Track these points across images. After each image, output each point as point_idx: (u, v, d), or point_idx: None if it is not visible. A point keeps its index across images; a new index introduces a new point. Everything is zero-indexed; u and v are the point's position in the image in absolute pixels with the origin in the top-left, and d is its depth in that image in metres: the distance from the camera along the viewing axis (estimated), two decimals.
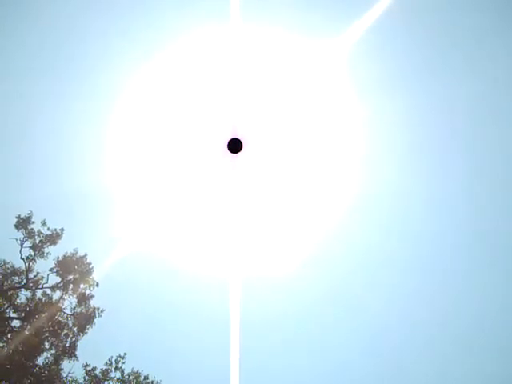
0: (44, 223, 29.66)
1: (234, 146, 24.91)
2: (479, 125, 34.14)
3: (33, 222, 29.55)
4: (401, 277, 36.83)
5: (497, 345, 34.81)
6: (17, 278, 29.08)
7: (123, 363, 29.02)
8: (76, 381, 28.16)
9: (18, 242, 29.26)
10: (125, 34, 31.32)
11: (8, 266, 28.99)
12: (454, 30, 32.53)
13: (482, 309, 35.57)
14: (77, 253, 29.80)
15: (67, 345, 28.48)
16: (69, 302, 29.27)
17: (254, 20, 28.92)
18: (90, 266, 29.76)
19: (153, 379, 29.12)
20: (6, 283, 28.67)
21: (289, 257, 35.59)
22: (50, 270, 29.43)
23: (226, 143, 24.99)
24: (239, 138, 25.01)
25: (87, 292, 29.54)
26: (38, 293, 29.14)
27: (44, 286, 29.31)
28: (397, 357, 35.78)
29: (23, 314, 28.47)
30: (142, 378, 29.06)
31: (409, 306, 36.48)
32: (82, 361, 28.54)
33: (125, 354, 29.19)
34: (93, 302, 29.47)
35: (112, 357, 29.00)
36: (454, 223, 36.21)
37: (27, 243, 29.41)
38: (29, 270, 29.27)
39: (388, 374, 35.13)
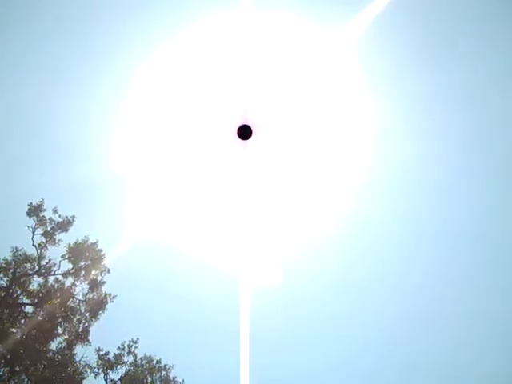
0: (55, 211, 29.99)
1: (244, 132, 24.97)
2: (489, 113, 34.18)
3: (44, 210, 29.87)
4: (408, 267, 37.05)
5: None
6: (29, 264, 29.35)
7: (136, 348, 29.55)
8: (89, 365, 28.57)
9: (30, 229, 29.59)
10: (137, 21, 31.42)
11: (20, 252, 29.24)
12: (463, 18, 32.52)
13: (495, 296, 35.72)
14: (88, 240, 30.14)
15: (80, 330, 28.90)
16: (81, 288, 29.76)
17: (263, 7, 28.95)
18: (101, 253, 30.11)
19: (165, 363, 29.67)
20: (18, 270, 28.95)
21: (298, 245, 35.81)
22: (62, 256, 29.75)
23: (236, 130, 25.02)
24: (249, 124, 25.04)
25: (99, 278, 29.94)
26: (51, 279, 29.58)
27: (56, 272, 29.70)
28: (404, 350, 36.06)
29: (36, 300, 28.81)
30: (154, 362, 29.56)
31: (416, 297, 36.75)
32: (94, 346, 29.09)
33: (137, 338, 29.72)
34: (104, 288, 29.93)
35: (125, 341, 29.52)
36: (462, 211, 36.33)
37: (39, 230, 29.77)
38: (41, 256, 29.56)
39: (395, 367, 35.39)
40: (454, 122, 34.45)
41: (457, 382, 34.55)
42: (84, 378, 28.20)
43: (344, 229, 35.92)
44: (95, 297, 29.55)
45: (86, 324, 29.10)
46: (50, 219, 29.87)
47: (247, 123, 25.10)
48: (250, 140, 25.39)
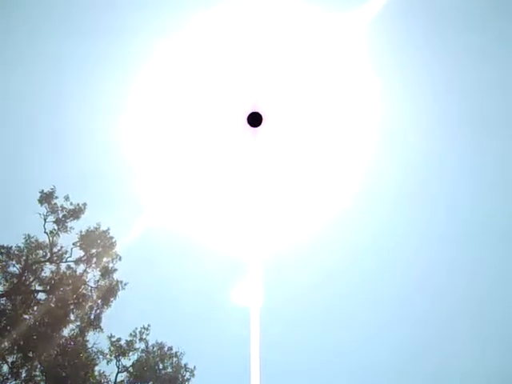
0: (67, 198, 29.93)
1: (254, 120, 24.83)
2: (498, 104, 33.82)
3: (56, 197, 29.85)
4: (412, 261, 37.05)
5: None
6: (41, 251, 29.52)
7: (147, 335, 29.76)
8: (101, 352, 28.83)
9: (42, 216, 29.61)
10: (147, 9, 31.40)
11: (32, 240, 29.43)
12: (475, 8, 32.11)
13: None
14: (100, 227, 30.15)
15: (92, 317, 29.05)
16: (92, 275, 29.83)
17: None
18: (113, 240, 30.16)
19: (176, 350, 29.87)
20: (30, 257, 29.13)
21: (306, 232, 35.73)
22: (74, 244, 29.83)
23: (246, 117, 24.88)
24: (259, 112, 24.89)
25: (110, 265, 30.02)
26: (63, 266, 29.66)
27: (68, 259, 29.78)
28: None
29: (48, 287, 28.98)
30: (165, 348, 29.76)
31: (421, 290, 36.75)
32: (106, 332, 29.30)
33: (148, 325, 29.92)
34: (116, 276, 30.02)
35: (136, 328, 29.74)
36: (469, 205, 36.14)
37: (51, 218, 29.78)
38: (53, 244, 29.66)
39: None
40: (462, 115, 34.17)
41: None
42: (96, 365, 28.50)
43: (351, 218, 35.86)
44: (107, 284, 29.67)
45: (98, 311, 29.25)
46: (62, 207, 29.88)
47: (257, 110, 24.93)
48: (260, 127, 25.21)
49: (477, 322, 35.71)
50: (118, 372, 29.00)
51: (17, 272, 28.57)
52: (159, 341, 29.84)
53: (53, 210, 29.78)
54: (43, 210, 29.61)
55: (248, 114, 24.78)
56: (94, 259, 29.82)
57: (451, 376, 34.48)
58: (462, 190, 36.03)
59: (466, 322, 35.86)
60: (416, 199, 36.23)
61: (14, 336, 26.95)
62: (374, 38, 31.23)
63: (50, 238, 29.61)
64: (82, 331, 28.73)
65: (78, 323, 28.82)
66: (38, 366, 27.40)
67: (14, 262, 28.63)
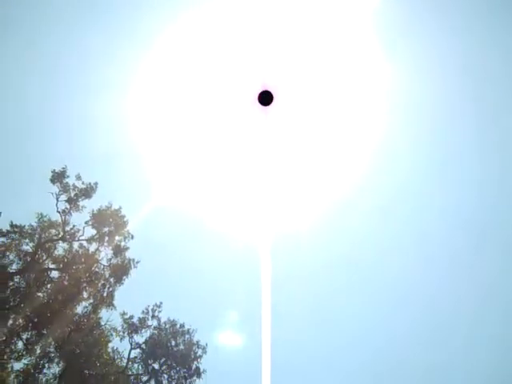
0: (79, 177, 29.89)
1: (265, 98, 24.73)
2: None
3: (68, 177, 29.82)
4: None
5: None
6: (54, 230, 29.62)
7: (159, 312, 30.07)
8: (114, 329, 29.18)
9: (54, 195, 29.59)
10: None
11: (45, 219, 29.53)
12: None
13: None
14: (111, 206, 30.25)
15: (104, 294, 29.21)
16: (105, 254, 29.94)
17: None
18: (125, 219, 30.22)
19: (188, 327, 30.18)
20: (43, 236, 29.24)
21: (315, 212, 35.77)
22: (86, 222, 29.91)
23: (257, 96, 24.78)
24: (270, 90, 24.77)
25: (122, 244, 30.10)
26: (75, 245, 29.80)
27: (80, 238, 29.85)
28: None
29: (61, 265, 29.14)
30: (178, 326, 30.07)
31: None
32: (119, 310, 29.59)
33: (161, 303, 30.20)
34: (128, 254, 30.11)
35: (149, 306, 30.03)
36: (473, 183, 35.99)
37: (63, 197, 29.76)
38: (65, 222, 29.70)
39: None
40: (467, 90, 33.88)
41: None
42: (109, 342, 28.87)
43: (361, 194, 35.83)
44: (119, 262, 29.77)
45: (111, 289, 29.42)
46: (74, 186, 29.86)
47: (268, 89, 24.80)
48: (270, 106, 25.12)
49: (477, 318, 35.83)
50: (131, 349, 29.40)
51: (30, 250, 28.66)
52: (171, 318, 30.26)
53: (65, 189, 29.78)
54: (55, 189, 29.68)
55: (259, 93, 24.66)
56: (106, 238, 29.92)
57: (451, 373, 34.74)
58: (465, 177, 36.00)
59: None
60: (420, 187, 36.24)
61: (28, 313, 27.20)
62: (383, 16, 31.00)
63: (63, 217, 29.69)
64: (95, 309, 28.97)
65: (91, 301, 29.04)
66: (52, 342, 27.69)
67: (27, 241, 28.72)
